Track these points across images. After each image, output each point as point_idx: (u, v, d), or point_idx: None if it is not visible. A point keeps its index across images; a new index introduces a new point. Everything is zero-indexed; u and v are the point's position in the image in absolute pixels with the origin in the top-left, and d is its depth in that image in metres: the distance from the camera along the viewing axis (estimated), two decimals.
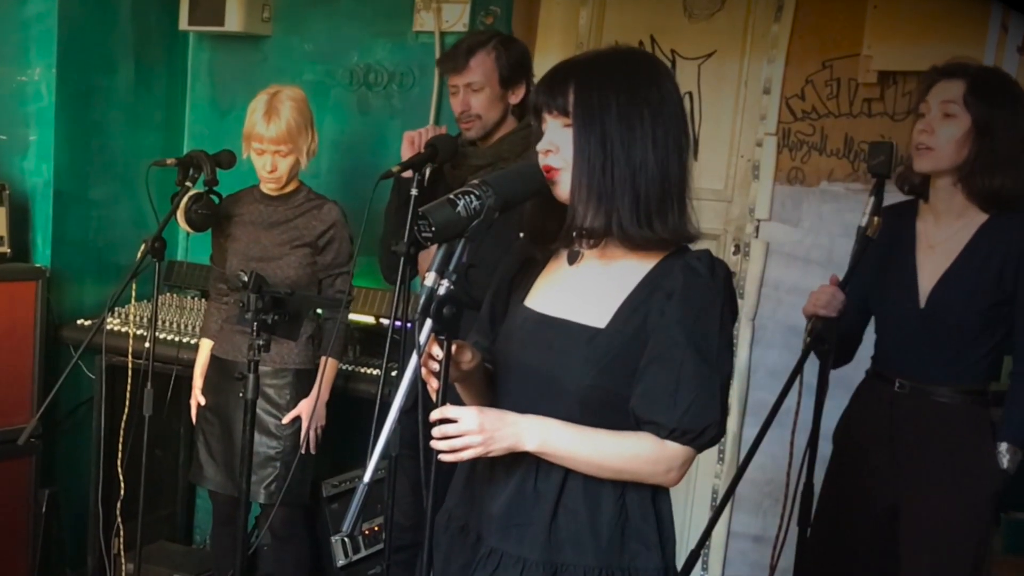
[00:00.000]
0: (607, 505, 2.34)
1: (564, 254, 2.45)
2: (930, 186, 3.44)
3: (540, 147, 2.35)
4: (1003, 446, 3.32)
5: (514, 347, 2.43)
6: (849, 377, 3.66)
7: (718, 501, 4.48)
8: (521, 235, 2.54)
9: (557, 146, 2.32)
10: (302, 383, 4.25)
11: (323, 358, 4.23)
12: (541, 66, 3.99)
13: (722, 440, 4.65)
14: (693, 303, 2.28)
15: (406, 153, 3.93)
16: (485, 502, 2.42)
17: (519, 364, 2.41)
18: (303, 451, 4.18)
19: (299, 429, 4.20)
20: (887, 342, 3.55)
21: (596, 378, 2.31)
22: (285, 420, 4.22)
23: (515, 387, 2.41)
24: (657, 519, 2.38)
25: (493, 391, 2.48)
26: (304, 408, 4.21)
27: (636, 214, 2.27)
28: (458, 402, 2.33)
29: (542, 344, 2.38)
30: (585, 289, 2.39)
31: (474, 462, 2.37)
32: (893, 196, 3.52)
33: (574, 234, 2.37)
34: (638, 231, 2.28)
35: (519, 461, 2.34)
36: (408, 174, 3.73)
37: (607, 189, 2.27)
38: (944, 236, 3.42)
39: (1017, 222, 3.33)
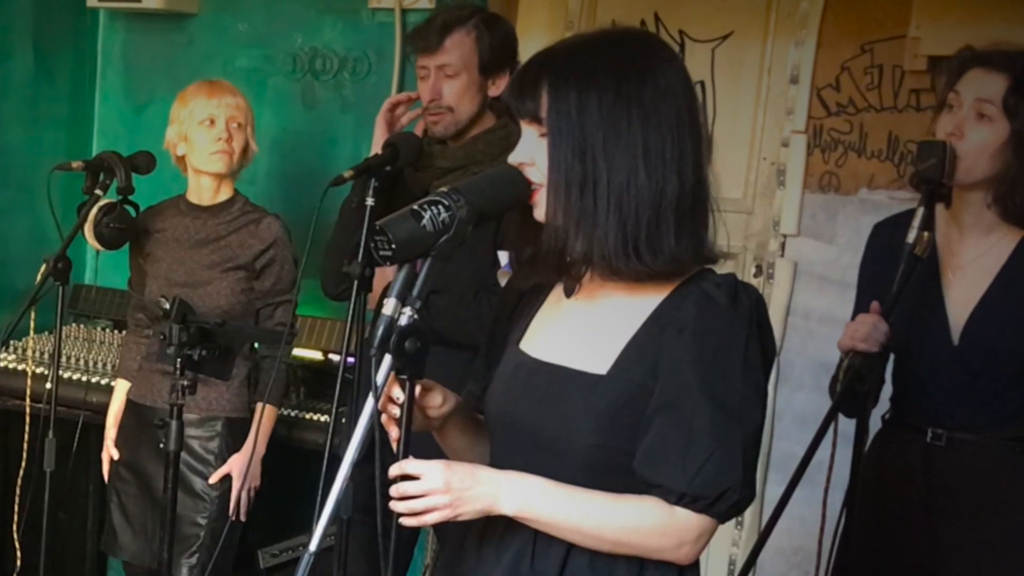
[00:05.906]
0: None
1: (561, 284, 2.39)
2: (953, 194, 3.38)
3: (513, 159, 2.29)
4: None
5: (505, 400, 2.39)
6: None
7: (736, 572, 4.47)
8: (499, 253, 2.51)
9: (533, 158, 2.27)
10: (234, 435, 4.22)
11: (259, 404, 4.18)
12: (523, 52, 3.99)
13: None
14: (709, 339, 2.22)
15: (379, 132, 3.93)
16: None
17: (511, 421, 2.37)
18: (233, 518, 4.14)
19: (229, 490, 4.17)
20: (913, 384, 3.51)
21: (599, 436, 2.25)
22: (213, 479, 4.18)
23: (508, 449, 2.37)
24: None
25: (483, 443, 2.46)
26: (236, 465, 4.18)
27: (623, 242, 2.21)
28: (423, 455, 2.30)
29: (535, 396, 2.33)
30: (584, 327, 2.34)
31: (464, 533, 2.34)
32: (907, 203, 3.48)
33: (554, 264, 2.30)
34: (625, 263, 2.22)
35: (512, 534, 2.30)
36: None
37: (587, 212, 2.21)
38: (975, 254, 3.39)
39: None
